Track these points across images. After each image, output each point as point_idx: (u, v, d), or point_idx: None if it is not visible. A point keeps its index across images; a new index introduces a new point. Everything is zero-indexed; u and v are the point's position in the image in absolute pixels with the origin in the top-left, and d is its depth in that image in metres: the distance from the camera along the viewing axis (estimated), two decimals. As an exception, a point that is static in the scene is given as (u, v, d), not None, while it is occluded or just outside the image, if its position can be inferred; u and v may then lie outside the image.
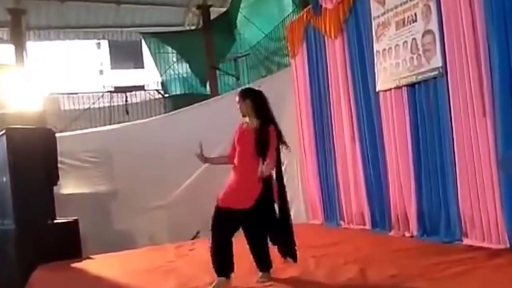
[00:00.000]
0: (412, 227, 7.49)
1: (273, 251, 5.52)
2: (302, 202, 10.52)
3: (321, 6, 9.33)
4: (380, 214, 8.30)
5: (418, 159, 7.32)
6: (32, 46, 18.51)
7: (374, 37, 8.01)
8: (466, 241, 6.47)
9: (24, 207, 8.15)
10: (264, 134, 5.24)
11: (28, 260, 7.73)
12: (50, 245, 8.06)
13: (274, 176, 5.41)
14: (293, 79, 10.66)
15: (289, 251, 5.53)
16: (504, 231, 5.99)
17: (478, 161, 6.25)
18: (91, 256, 8.44)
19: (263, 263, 5.45)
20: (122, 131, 11.70)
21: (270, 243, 5.46)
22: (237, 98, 5.51)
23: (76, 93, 17.91)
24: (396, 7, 7.51)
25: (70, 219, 8.69)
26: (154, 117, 13.62)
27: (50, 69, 22.85)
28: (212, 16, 17.65)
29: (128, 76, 25.40)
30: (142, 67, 26.71)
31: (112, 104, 17.41)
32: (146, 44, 19.20)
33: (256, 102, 5.43)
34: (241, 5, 16.70)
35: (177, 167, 10.52)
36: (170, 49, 18.69)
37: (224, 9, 17.79)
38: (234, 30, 17.59)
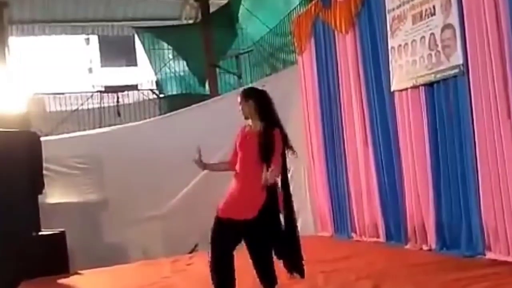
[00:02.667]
0: (430, 240, 7.50)
1: (279, 266, 5.52)
2: (310, 213, 10.53)
3: (330, -2, 9.37)
4: (395, 226, 8.30)
5: (436, 165, 7.33)
6: (15, 41, 18.54)
7: (389, 32, 8.03)
8: (489, 255, 6.48)
9: (6, 218, 8.16)
10: (268, 138, 5.25)
11: (10, 276, 7.74)
12: (34, 260, 8.07)
13: (280, 184, 5.41)
14: (300, 77, 10.69)
15: (295, 266, 5.52)
16: (531, 244, 6.00)
17: (502, 168, 6.26)
18: (79, 272, 8.46)
19: (267, 279, 5.45)
20: (113, 134, 11.71)
21: (275, 257, 5.46)
22: (238, 99, 5.52)
23: (63, 93, 17.94)
24: (412, -1, 7.55)
25: (56, 231, 8.71)
26: (148, 120, 13.64)
27: (35, 67, 22.88)
28: (212, 9, 17.63)
29: (119, 75, 25.44)
30: (135, 64, 26.74)
31: (102, 105, 17.44)
32: (140, 39, 19.21)
33: (259, 103, 5.44)
34: (244, -3, 16.76)
35: (174, 174, 10.53)
36: (165, 45, 18.70)
37: (224, 1, 17.79)
38: (236, 24, 17.60)
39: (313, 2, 10.15)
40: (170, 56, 18.85)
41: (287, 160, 5.51)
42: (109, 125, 13.89)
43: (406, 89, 7.76)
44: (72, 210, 10.38)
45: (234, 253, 5.29)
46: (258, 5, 16.43)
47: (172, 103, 15.81)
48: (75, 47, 26.76)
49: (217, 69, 16.91)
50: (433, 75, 7.22)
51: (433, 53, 7.20)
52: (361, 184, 9.04)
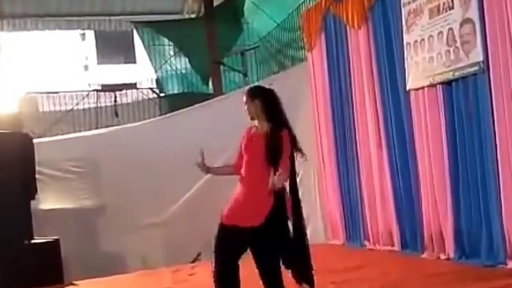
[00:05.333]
0: (448, 248, 7.50)
1: (287, 276, 5.54)
2: (320, 219, 10.53)
3: (342, -9, 9.38)
4: (411, 233, 8.30)
5: (455, 169, 7.33)
6: (6, 37, 18.61)
7: (404, 27, 8.04)
8: (511, 265, 6.48)
9: (-3, 224, 8.20)
10: (275, 140, 5.26)
11: (1, 286, 7.76)
12: (26, 269, 8.10)
13: (288, 189, 5.42)
14: (310, 75, 10.69)
15: (305, 276, 5.52)
16: (556, 253, 6.00)
17: (525, 172, 6.26)
18: (75, 282, 8.49)
19: (274, 290, 5.47)
20: (110, 136, 11.75)
21: (283, 267, 5.47)
22: (244, 98, 5.53)
23: (57, 92, 17.97)
24: (429, -8, 7.56)
25: (50, 238, 8.74)
26: (147, 120, 13.69)
27: (27, 64, 22.97)
28: (215, 3, 17.67)
29: (117, 73, 25.54)
30: (134, 62, 26.84)
31: (99, 105, 17.46)
32: (139, 35, 19.29)
33: (266, 102, 5.45)
34: (249, -10, 16.77)
35: (175, 178, 10.56)
36: (166, 41, 18.75)
37: (229, -6, 17.86)
38: (241, 18, 17.63)
39: (323, -5, 10.16)
40: (171, 53, 18.90)
41: (296, 163, 5.51)
42: (106, 126, 13.94)
43: (423, 87, 7.76)
44: (66, 216, 10.42)
45: (240, 262, 5.31)
46: (265, -2, 16.45)
47: (173, 102, 15.85)
48: (70, 43, 26.83)
49: (221, 67, 16.92)
50: (451, 73, 7.22)
51: (451, 49, 7.20)
52: (375, 189, 9.04)
